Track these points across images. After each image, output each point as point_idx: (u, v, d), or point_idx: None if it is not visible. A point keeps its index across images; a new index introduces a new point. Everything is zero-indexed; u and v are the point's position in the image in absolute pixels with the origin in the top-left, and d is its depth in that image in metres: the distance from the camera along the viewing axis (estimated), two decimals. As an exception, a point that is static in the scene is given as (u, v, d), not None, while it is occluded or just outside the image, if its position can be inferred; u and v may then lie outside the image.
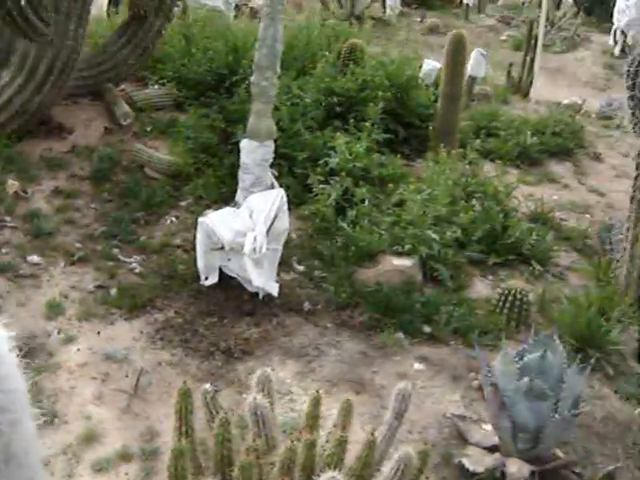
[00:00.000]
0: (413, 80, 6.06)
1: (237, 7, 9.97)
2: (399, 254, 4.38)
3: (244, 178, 4.44)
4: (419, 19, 13.18)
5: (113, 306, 4.00)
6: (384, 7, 13.32)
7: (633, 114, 4.34)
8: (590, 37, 13.23)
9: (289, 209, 4.26)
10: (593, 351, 3.99)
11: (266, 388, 2.61)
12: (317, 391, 2.61)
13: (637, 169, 4.57)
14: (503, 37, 12.71)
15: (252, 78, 4.38)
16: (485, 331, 4.03)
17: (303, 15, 9.42)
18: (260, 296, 4.08)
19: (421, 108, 5.91)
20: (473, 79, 7.55)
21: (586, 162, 6.93)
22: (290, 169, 5.06)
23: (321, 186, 4.78)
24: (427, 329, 4.03)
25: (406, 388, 2.59)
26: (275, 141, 4.45)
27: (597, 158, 7.02)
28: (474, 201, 4.89)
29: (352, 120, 5.31)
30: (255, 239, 3.88)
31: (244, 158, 4.41)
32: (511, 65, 9.21)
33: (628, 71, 4.27)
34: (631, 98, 4.29)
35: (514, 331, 4.10)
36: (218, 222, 4.04)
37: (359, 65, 5.95)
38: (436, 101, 5.94)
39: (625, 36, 11.74)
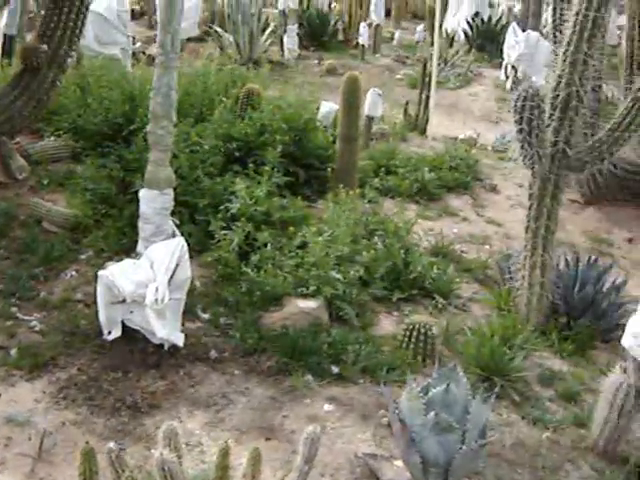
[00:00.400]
0: (311, 122, 6.14)
1: (134, 54, 9.93)
2: (304, 296, 4.40)
3: (144, 228, 4.38)
4: (317, 61, 13.40)
5: (13, 367, 3.86)
6: (282, 50, 13.50)
7: (522, 147, 4.51)
8: (483, 73, 13.73)
9: (191, 257, 4.23)
10: (499, 379, 4.09)
11: (173, 442, 2.57)
12: (226, 441, 2.58)
13: (530, 199, 4.75)
14: (399, 76, 13.03)
15: (148, 127, 4.35)
16: (393, 367, 4.07)
17: (200, 61, 9.46)
18: (165, 347, 4.02)
19: (320, 150, 5.99)
20: (371, 119, 7.70)
21: (483, 194, 7.14)
22: (191, 216, 5.03)
23: (223, 232, 4.76)
24: (335, 369, 4.04)
25: (314, 432, 2.59)
26: (174, 189, 4.42)
27: (493, 190, 7.25)
28: (376, 239, 4.98)
29: (252, 165, 5.33)
30: (157, 290, 3.83)
31: (144, 208, 4.36)
32: (407, 103, 9.44)
33: (515, 106, 4.44)
34: (519, 132, 4.46)
35: (421, 365, 4.15)
36: (118, 274, 3.97)
37: (257, 110, 5.99)
38: (335, 142, 6.03)
39: (515, 71, 12.23)
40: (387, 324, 4.56)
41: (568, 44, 4.43)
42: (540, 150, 4.45)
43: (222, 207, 4.98)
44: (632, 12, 7.20)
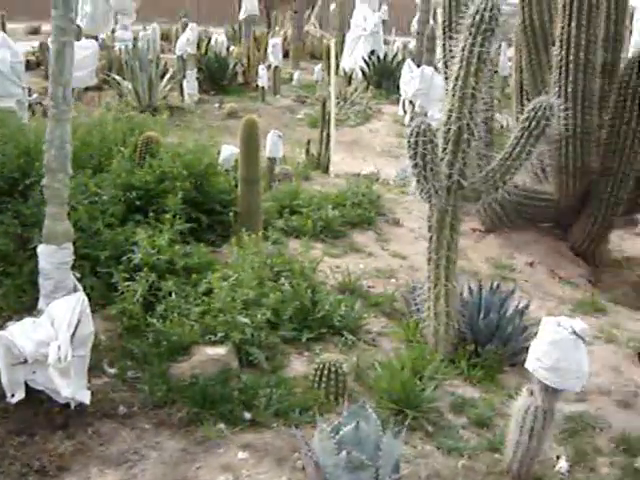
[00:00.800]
0: (212, 167, 6.13)
1: (30, 106, 9.74)
2: (212, 343, 4.35)
3: (45, 284, 4.27)
4: (218, 105, 13.42)
5: None
6: (182, 95, 13.48)
7: (418, 181, 4.61)
8: (382, 109, 14.02)
9: (95, 310, 4.14)
10: (411, 411, 4.12)
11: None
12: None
13: (429, 231, 4.85)
14: (300, 116, 13.17)
15: (44, 181, 4.25)
16: (305, 408, 4.05)
17: (98, 110, 9.36)
18: (72, 406, 3.89)
19: (222, 194, 5.98)
20: (272, 160, 7.75)
21: (387, 228, 7.25)
22: (93, 269, 4.91)
23: (126, 283, 4.68)
24: (248, 415, 3.99)
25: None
26: (74, 242, 4.32)
27: (397, 223, 7.38)
28: (282, 280, 4.98)
29: (152, 213, 5.28)
30: (59, 348, 3.72)
31: (43, 263, 4.24)
32: (309, 142, 9.54)
33: (409, 142, 4.54)
34: (414, 166, 4.56)
35: (333, 404, 4.15)
36: (18, 334, 3.84)
37: (156, 157, 5.95)
38: (237, 186, 6.03)
39: (413, 105, 12.52)
40: (298, 365, 4.55)
41: (456, 79, 4.57)
42: (436, 183, 4.56)
43: (124, 258, 4.90)
44: (518, 44, 7.53)
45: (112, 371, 4.35)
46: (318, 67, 16.20)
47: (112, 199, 5.56)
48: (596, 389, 4.80)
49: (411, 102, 12.53)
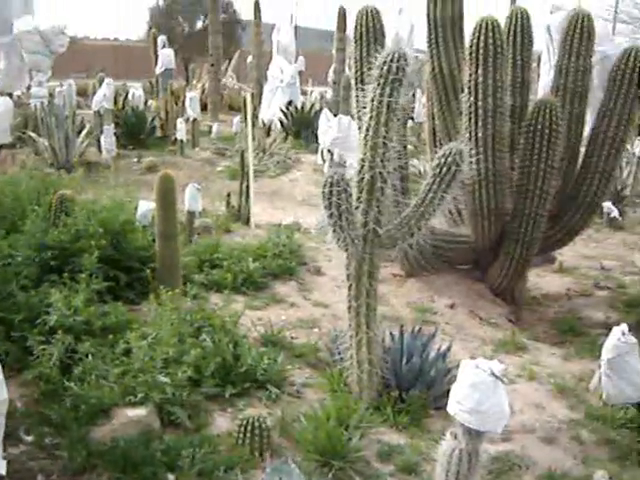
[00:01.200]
0: (128, 224, 6.07)
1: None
2: (133, 404, 4.25)
3: (-45, 353, 4.13)
4: (136, 159, 13.33)
5: None
6: (100, 151, 13.35)
7: (334, 231, 4.64)
8: (301, 158, 14.14)
9: (10, 376, 4.02)
10: (337, 462, 4.08)
11: None
12: None
13: (348, 280, 4.87)
14: (220, 168, 13.17)
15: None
16: (231, 466, 3.97)
17: (13, 169, 9.21)
18: (-14, 479, 3.74)
19: (140, 251, 5.91)
20: (192, 214, 7.71)
21: (309, 278, 7.26)
22: (7, 333, 4.77)
23: (42, 347, 4.55)
24: (171, 477, 3.88)
25: None
26: (-15, 308, 4.21)
27: (318, 272, 7.40)
28: (203, 335, 4.92)
29: (68, 273, 5.17)
30: (-30, 418, 3.58)
31: (-48, 331, 4.11)
32: (229, 194, 9.53)
33: (323, 192, 4.58)
34: (330, 216, 4.59)
35: (259, 460, 4.09)
36: None
37: (71, 216, 5.85)
38: (155, 241, 5.97)
39: (331, 154, 12.65)
40: (222, 422, 4.47)
41: (367, 129, 4.65)
42: (352, 232, 4.60)
43: (39, 320, 4.77)
44: (429, 92, 7.72)
45: (29, 438, 4.20)
46: (237, 119, 16.28)
47: (26, 260, 5.45)
48: (520, 427, 4.86)
49: (329, 151, 12.65)
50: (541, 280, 8.27)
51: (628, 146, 12.06)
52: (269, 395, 4.78)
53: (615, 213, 10.99)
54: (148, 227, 6.38)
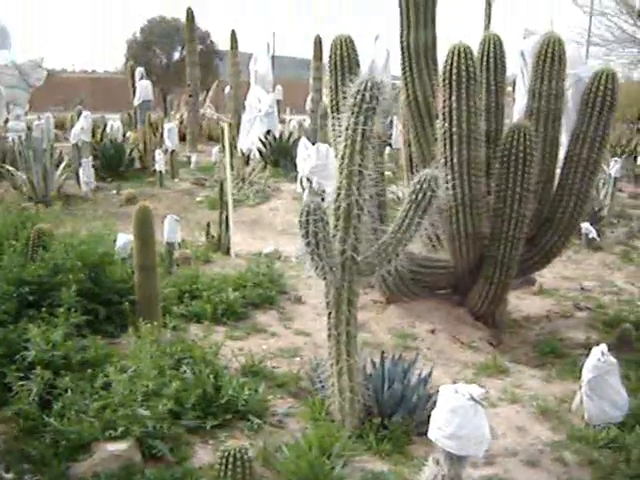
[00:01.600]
0: (107, 257, 6.05)
1: None
2: (113, 438, 4.20)
3: None
4: (115, 191, 13.32)
5: None
6: (79, 183, 13.33)
7: (312, 259, 4.64)
8: (280, 187, 14.18)
9: (-12, 414, 3.97)
10: (321, 492, 4.07)
11: None
12: None
13: (327, 308, 4.87)
14: (199, 198, 13.17)
15: None
16: (214, 499, 3.96)
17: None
18: (-37, 519, 3.70)
19: (119, 283, 5.89)
20: (171, 245, 7.70)
21: (289, 306, 7.26)
22: (-15, 370, 4.74)
23: (21, 383, 4.51)
24: (153, 511, 3.87)
25: None
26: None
27: (299, 301, 7.40)
28: (184, 367, 4.90)
29: (47, 307, 5.15)
30: (-53, 458, 3.55)
31: None
32: (209, 225, 9.54)
33: (300, 221, 4.59)
34: (307, 245, 4.60)
35: (241, 492, 4.06)
36: None
37: (48, 250, 5.83)
38: (134, 274, 5.95)
39: (310, 182, 12.70)
40: (203, 454, 4.44)
41: (342, 157, 4.67)
42: (329, 260, 4.61)
43: (18, 356, 4.73)
44: (405, 120, 7.78)
45: (9, 476, 4.15)
46: (216, 149, 16.33)
47: (4, 295, 5.42)
48: (503, 450, 4.86)
49: (308, 179, 12.70)
50: (521, 302, 8.31)
51: (604, 167, 12.23)
52: (251, 426, 4.76)
53: (593, 234, 11.07)
54: (127, 259, 6.37)
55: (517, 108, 8.96)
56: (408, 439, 4.89)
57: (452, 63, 6.46)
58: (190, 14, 21.60)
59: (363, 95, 4.60)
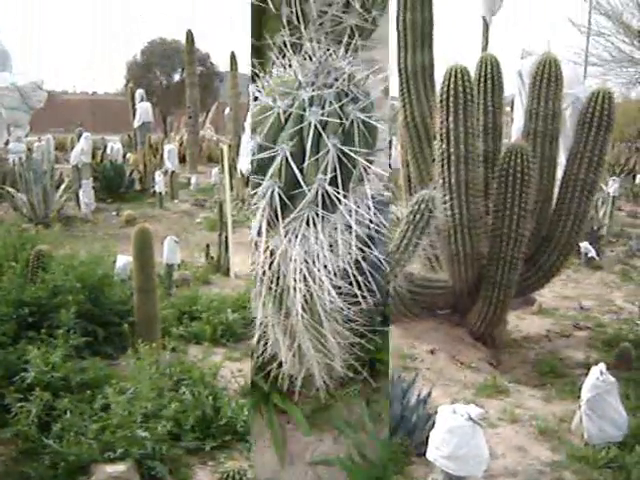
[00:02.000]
0: (106, 278, 6.08)
1: None
2: (112, 460, 4.20)
3: None
4: (115, 213, 13.37)
5: None
6: (79, 205, 13.38)
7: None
8: (279, 207, 14.15)
9: (-13, 436, 3.98)
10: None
11: None
12: None
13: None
14: (199, 220, 13.21)
15: None
16: (212, 521, 3.95)
17: (-10, 226, 9.18)
18: (-39, 542, 3.69)
19: (119, 305, 5.92)
20: (170, 266, 7.72)
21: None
22: (-16, 393, 4.74)
23: (20, 404, 4.51)
24: (152, 534, 3.86)
25: None
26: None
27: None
28: (183, 389, 4.90)
29: (46, 329, 5.17)
30: (-55, 481, 3.54)
31: None
32: (208, 246, 9.56)
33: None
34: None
35: (241, 514, 4.06)
36: None
37: (48, 271, 5.86)
38: (133, 295, 5.97)
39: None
40: (202, 476, 4.43)
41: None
42: (328, 280, 4.62)
43: (17, 378, 4.75)
44: (403, 141, 7.83)
45: (7, 499, 4.16)
46: (215, 170, 16.39)
47: (3, 317, 5.44)
48: (503, 471, 4.84)
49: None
50: (521, 322, 8.31)
51: (603, 186, 12.28)
52: (249, 447, 4.76)
53: (592, 253, 11.09)
54: (126, 281, 6.39)
55: (515, 128, 9.02)
56: (408, 460, 4.87)
57: (449, 84, 6.50)
58: (190, 36, 21.76)
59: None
